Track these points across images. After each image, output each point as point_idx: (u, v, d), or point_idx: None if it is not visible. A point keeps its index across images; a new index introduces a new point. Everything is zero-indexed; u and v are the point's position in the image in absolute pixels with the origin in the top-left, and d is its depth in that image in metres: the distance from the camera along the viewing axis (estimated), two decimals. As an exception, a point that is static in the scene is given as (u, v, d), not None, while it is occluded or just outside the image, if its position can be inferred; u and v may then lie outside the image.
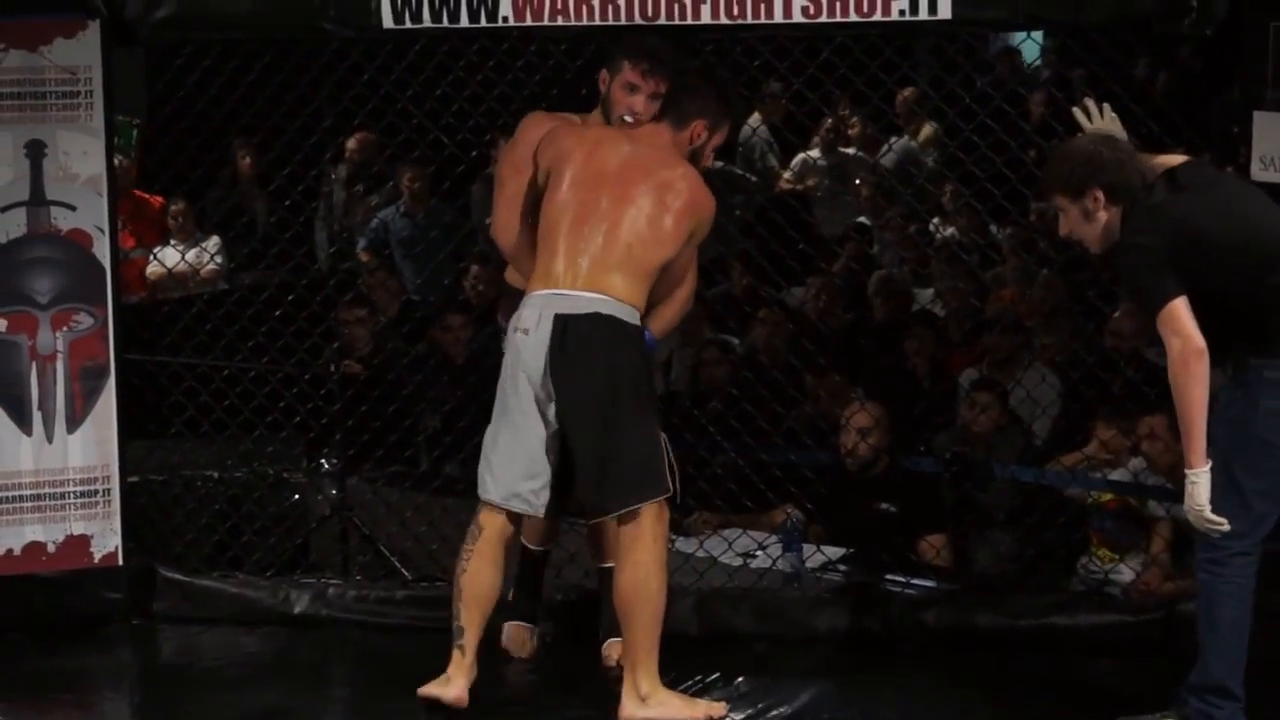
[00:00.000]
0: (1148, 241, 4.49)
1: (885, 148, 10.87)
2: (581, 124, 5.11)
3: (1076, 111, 4.85)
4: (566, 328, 4.78)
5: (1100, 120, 4.85)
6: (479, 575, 4.92)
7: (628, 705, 4.84)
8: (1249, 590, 4.60)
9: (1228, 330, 4.50)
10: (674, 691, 4.91)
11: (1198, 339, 4.45)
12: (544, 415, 4.83)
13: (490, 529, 4.92)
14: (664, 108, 4.98)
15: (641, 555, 4.79)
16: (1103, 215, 4.58)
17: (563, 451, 4.86)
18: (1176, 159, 4.76)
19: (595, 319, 4.78)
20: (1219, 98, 9.02)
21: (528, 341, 4.82)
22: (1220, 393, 4.57)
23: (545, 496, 4.89)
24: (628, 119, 5.04)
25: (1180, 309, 4.45)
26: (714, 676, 5.23)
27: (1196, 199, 4.57)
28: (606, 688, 5.05)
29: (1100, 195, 4.57)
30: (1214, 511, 4.53)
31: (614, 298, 4.80)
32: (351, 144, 9.77)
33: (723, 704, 4.97)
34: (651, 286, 4.88)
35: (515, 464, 4.87)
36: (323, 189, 9.86)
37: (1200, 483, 4.51)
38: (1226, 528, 4.52)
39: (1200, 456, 4.51)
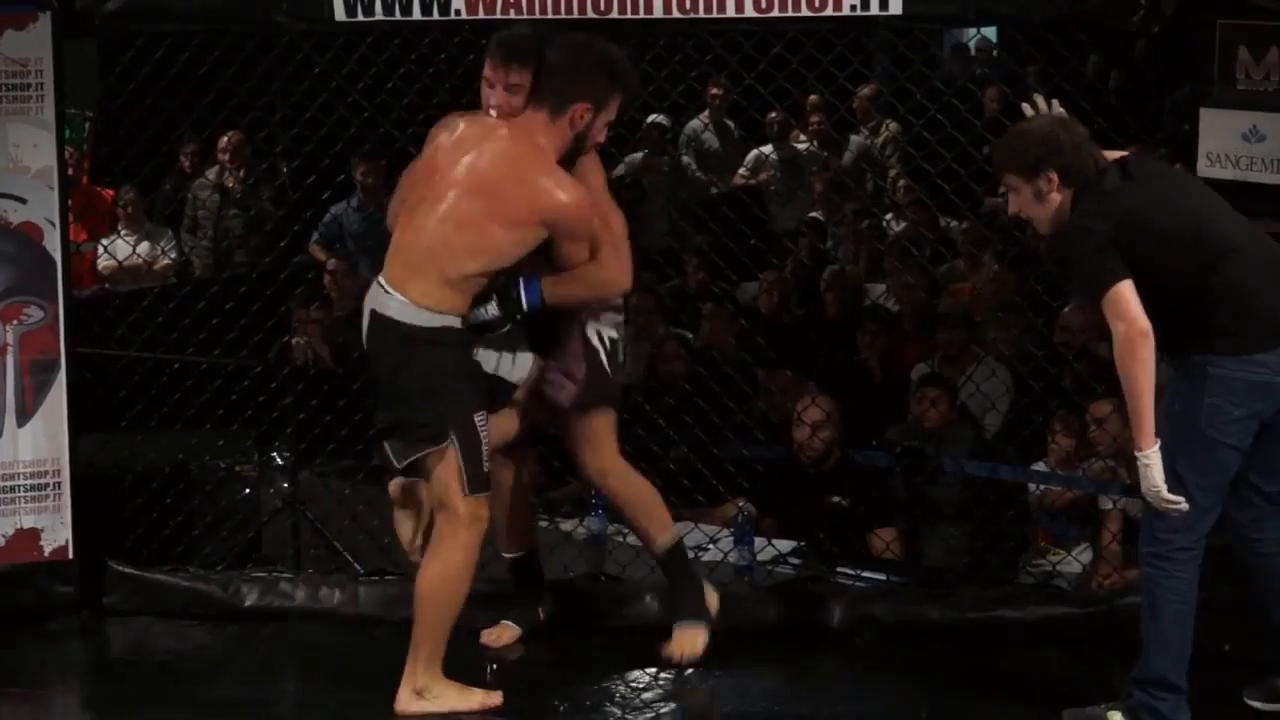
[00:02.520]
0: (1097, 225, 4.50)
1: (845, 146, 10.90)
2: (474, 121, 5.00)
3: (1026, 107, 4.87)
4: (371, 323, 4.88)
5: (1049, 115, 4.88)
6: None
7: (402, 698, 4.91)
8: (1192, 584, 4.63)
9: (1171, 324, 4.51)
10: (450, 682, 4.94)
11: (1143, 321, 4.45)
12: None
13: None
14: (537, 95, 4.87)
15: (445, 552, 4.86)
16: (1055, 197, 4.59)
17: None
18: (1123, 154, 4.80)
19: (384, 322, 4.83)
20: (1169, 94, 9.10)
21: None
22: (1165, 388, 4.59)
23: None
24: (492, 113, 4.96)
25: (1126, 291, 4.46)
26: (665, 669, 5.24)
27: (1147, 189, 4.59)
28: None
29: (1054, 177, 4.57)
30: (1157, 511, 4.56)
31: (411, 301, 4.78)
32: (222, 142, 9.77)
33: (499, 692, 5.00)
34: (474, 289, 4.82)
35: None
36: (191, 191, 9.91)
37: (1153, 464, 4.52)
38: (1185, 506, 4.52)
39: (1149, 438, 4.51)
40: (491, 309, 4.92)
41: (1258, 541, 4.70)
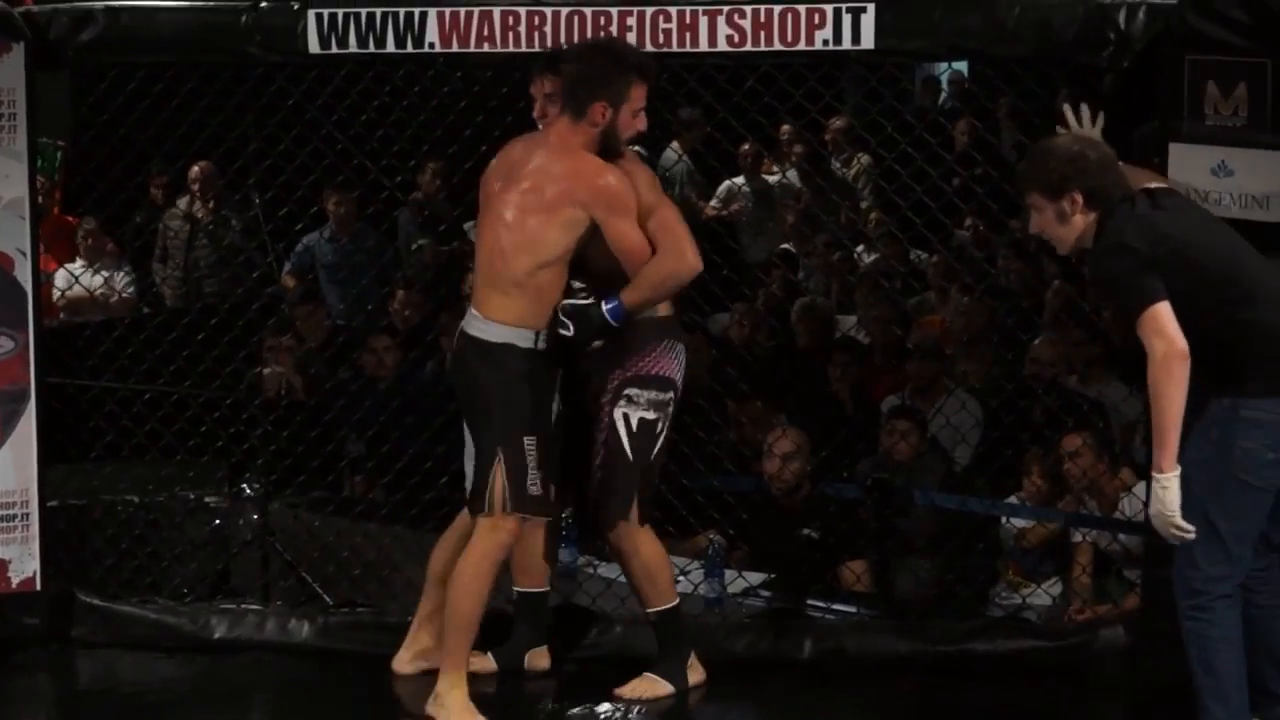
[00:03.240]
0: (1136, 244, 4.44)
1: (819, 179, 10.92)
2: (523, 138, 5.20)
3: (1066, 111, 4.86)
4: (456, 344, 5.12)
5: (1086, 126, 4.87)
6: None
7: (431, 700, 5.04)
8: (1238, 628, 4.55)
9: (1200, 364, 4.42)
10: (467, 701, 5.01)
11: (1181, 341, 4.38)
12: None
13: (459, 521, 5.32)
14: (562, 103, 5.03)
15: (469, 556, 5.03)
16: (1079, 219, 4.55)
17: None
18: (1147, 175, 4.79)
19: (464, 339, 5.04)
20: (1138, 129, 9.13)
21: None
22: (1190, 434, 4.48)
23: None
24: (540, 125, 5.18)
25: (1164, 311, 4.40)
26: (637, 702, 5.23)
27: (1179, 220, 4.55)
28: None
29: (1079, 198, 4.53)
30: (1193, 560, 4.50)
31: (483, 315, 4.99)
32: (194, 172, 9.77)
33: None
34: (542, 294, 4.94)
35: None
36: (163, 223, 9.91)
37: (1171, 487, 4.43)
38: (1193, 535, 4.45)
39: (1172, 461, 4.42)
40: (570, 326, 4.96)
41: (1256, 594, 4.62)
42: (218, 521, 6.60)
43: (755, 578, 6.34)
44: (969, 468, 7.25)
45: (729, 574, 6.26)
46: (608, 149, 5.00)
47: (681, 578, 6.19)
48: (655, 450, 5.21)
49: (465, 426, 5.11)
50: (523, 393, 4.98)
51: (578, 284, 5.05)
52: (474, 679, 5.11)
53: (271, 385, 7.92)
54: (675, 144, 10.89)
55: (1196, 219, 4.65)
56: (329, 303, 9.49)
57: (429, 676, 5.15)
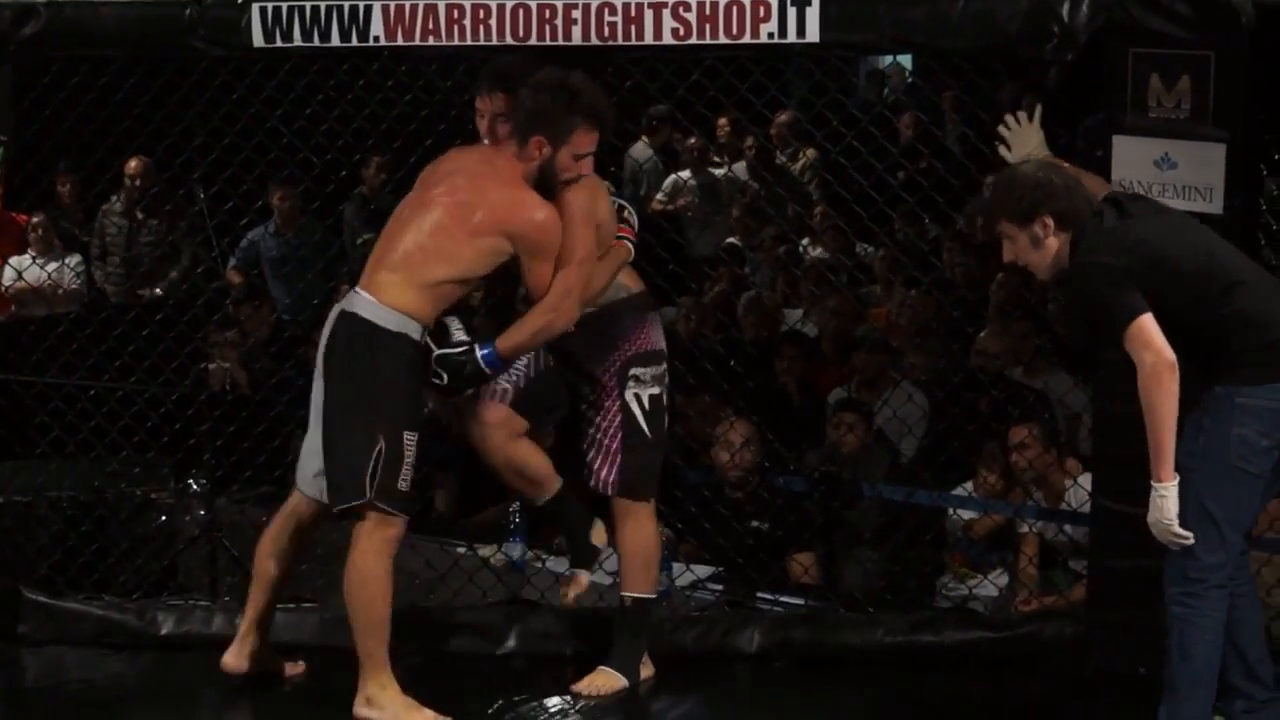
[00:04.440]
0: (1110, 260, 4.46)
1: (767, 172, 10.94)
2: (466, 149, 5.15)
3: (1002, 129, 4.89)
4: (335, 322, 4.94)
5: (1023, 127, 4.90)
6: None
7: (357, 703, 4.94)
8: (1222, 622, 4.56)
9: (1191, 358, 4.46)
10: (402, 695, 4.95)
11: (1169, 353, 4.41)
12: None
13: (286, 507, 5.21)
14: (513, 128, 4.96)
15: (356, 558, 4.90)
16: (1052, 242, 4.56)
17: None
18: (1098, 182, 4.81)
19: (349, 320, 4.89)
20: (1082, 122, 9.18)
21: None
22: (1184, 426, 4.50)
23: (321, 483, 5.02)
24: (485, 141, 5.11)
25: (1149, 323, 4.42)
26: (583, 695, 5.24)
27: (1149, 224, 4.57)
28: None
29: (1050, 221, 4.54)
30: (1191, 550, 4.50)
31: (378, 299, 4.86)
32: (131, 167, 9.71)
33: (448, 717, 4.97)
34: (441, 301, 4.89)
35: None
36: (97, 220, 9.86)
37: (1169, 496, 4.46)
38: (1191, 541, 4.47)
39: (1169, 470, 4.45)
40: (443, 377, 4.94)
41: (1233, 580, 4.60)
42: (164, 517, 6.57)
43: (703, 571, 6.36)
44: (915, 459, 7.28)
45: (677, 567, 6.27)
46: (544, 186, 4.94)
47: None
48: (666, 423, 5.25)
49: (323, 408, 4.93)
50: (411, 384, 4.89)
51: (455, 324, 4.99)
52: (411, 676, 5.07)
53: (216, 381, 7.89)
54: (644, 139, 10.93)
55: (1166, 221, 4.65)
56: (274, 297, 9.45)
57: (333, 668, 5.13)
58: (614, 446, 5.19)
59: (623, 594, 5.30)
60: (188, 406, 6.69)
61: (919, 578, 6.50)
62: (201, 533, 6.50)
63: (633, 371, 5.17)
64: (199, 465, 6.72)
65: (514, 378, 5.19)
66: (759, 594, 6.06)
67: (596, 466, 5.21)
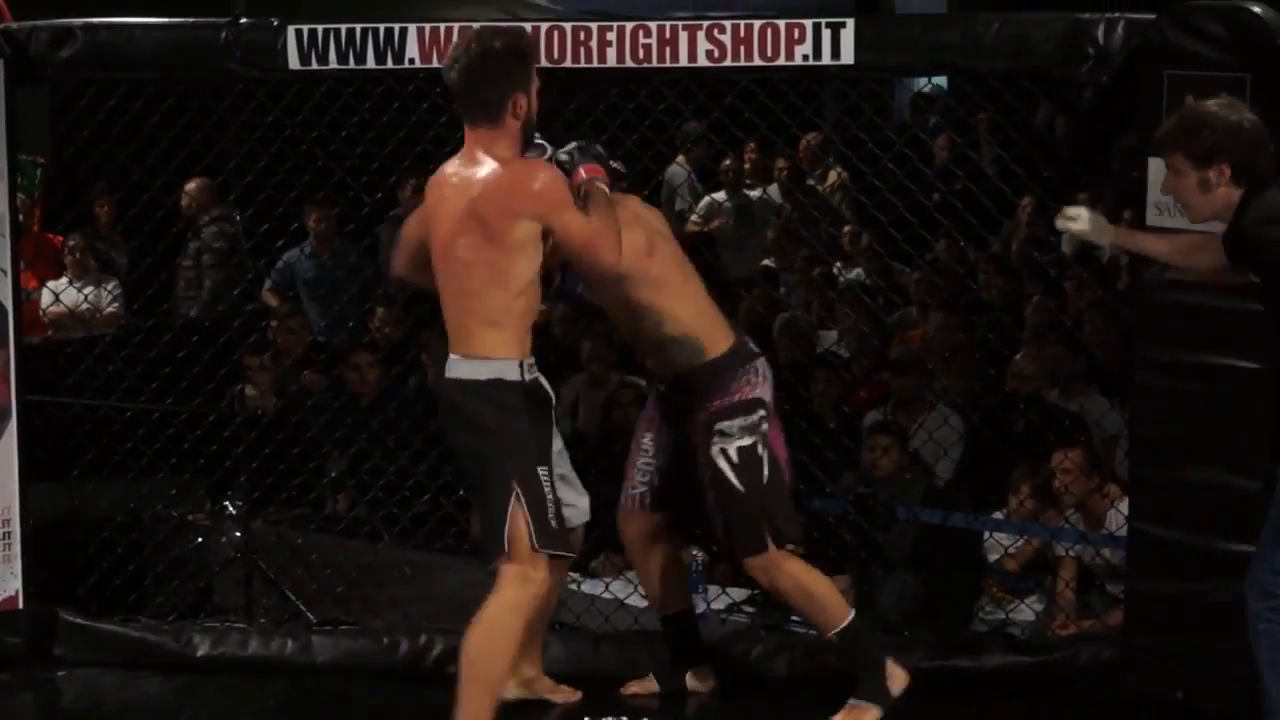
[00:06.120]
0: None
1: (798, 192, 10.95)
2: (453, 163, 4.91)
3: (1063, 223, 4.78)
4: (441, 399, 4.82)
5: (1082, 214, 4.80)
6: None
7: None
8: None
9: None
10: None
11: None
12: None
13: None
14: (472, 115, 4.74)
15: (492, 610, 4.67)
16: (1222, 191, 4.41)
17: None
18: None
19: (450, 387, 4.74)
20: (1118, 142, 9.17)
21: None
22: None
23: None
24: None
25: None
26: (620, 717, 5.23)
27: None
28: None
29: (1227, 170, 4.39)
30: (1274, 565, 4.43)
31: (464, 355, 4.71)
32: (189, 187, 9.75)
33: None
34: (519, 324, 4.71)
35: None
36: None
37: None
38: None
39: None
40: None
41: None
42: (200, 539, 6.59)
43: (738, 593, 6.34)
44: (951, 482, 7.26)
45: (712, 590, 6.26)
46: (529, 138, 4.77)
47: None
48: (766, 472, 5.05)
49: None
50: (523, 424, 4.70)
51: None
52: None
53: (252, 403, 7.91)
54: (680, 159, 10.95)
55: None
56: (310, 319, 9.48)
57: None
58: (714, 508, 5.07)
59: (826, 638, 5.17)
60: (224, 428, 6.71)
61: (955, 601, 6.47)
62: (237, 554, 6.51)
63: (718, 427, 5.03)
64: (235, 487, 6.74)
65: (646, 477, 5.17)
66: (794, 617, 6.03)
67: (718, 532, 5.13)
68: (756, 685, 5.60)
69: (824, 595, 5.13)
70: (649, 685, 5.37)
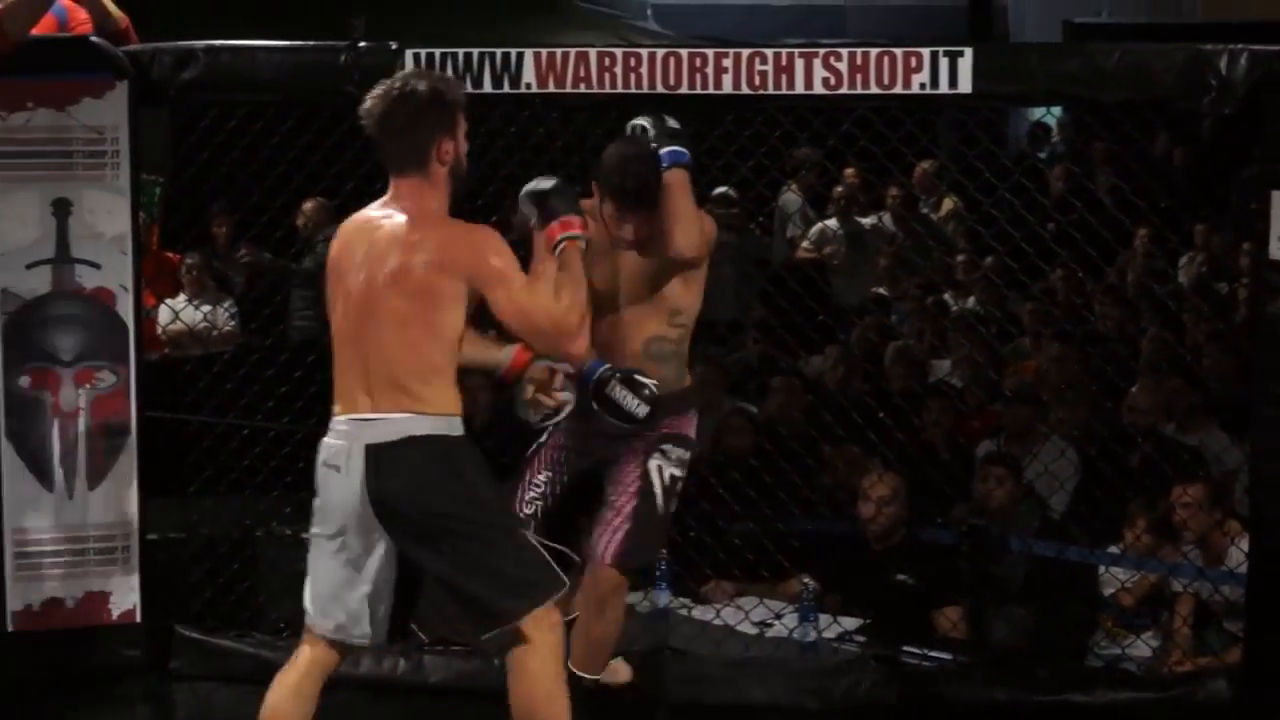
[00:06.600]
0: None
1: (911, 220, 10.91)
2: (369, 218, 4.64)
3: None
4: (370, 459, 4.49)
5: None
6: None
7: None
8: None
9: None
10: None
11: None
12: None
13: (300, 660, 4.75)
14: (397, 165, 4.53)
15: (533, 667, 4.43)
16: None
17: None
18: None
19: (382, 451, 4.46)
20: (1238, 174, 9.07)
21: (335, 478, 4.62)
22: None
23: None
24: None
25: None
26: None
27: None
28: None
29: None
30: None
31: (409, 413, 4.44)
32: (307, 206, 9.82)
33: None
34: (447, 381, 4.48)
35: None
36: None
37: None
38: None
39: None
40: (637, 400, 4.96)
41: None
42: (313, 557, 6.59)
43: (850, 623, 6.31)
44: (1065, 515, 7.19)
45: (823, 618, 6.24)
46: (459, 187, 4.59)
47: (775, 621, 6.20)
48: (672, 508, 5.14)
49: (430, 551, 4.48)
50: (485, 476, 4.51)
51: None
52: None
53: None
54: (793, 187, 10.94)
55: None
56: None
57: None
58: (624, 513, 5.07)
59: (579, 673, 5.10)
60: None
61: (1070, 635, 6.41)
62: (350, 573, 6.53)
63: (663, 446, 5.09)
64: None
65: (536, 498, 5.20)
66: (905, 647, 6.00)
67: (599, 533, 5.10)
68: (866, 715, 5.58)
69: (611, 645, 5.21)
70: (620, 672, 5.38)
